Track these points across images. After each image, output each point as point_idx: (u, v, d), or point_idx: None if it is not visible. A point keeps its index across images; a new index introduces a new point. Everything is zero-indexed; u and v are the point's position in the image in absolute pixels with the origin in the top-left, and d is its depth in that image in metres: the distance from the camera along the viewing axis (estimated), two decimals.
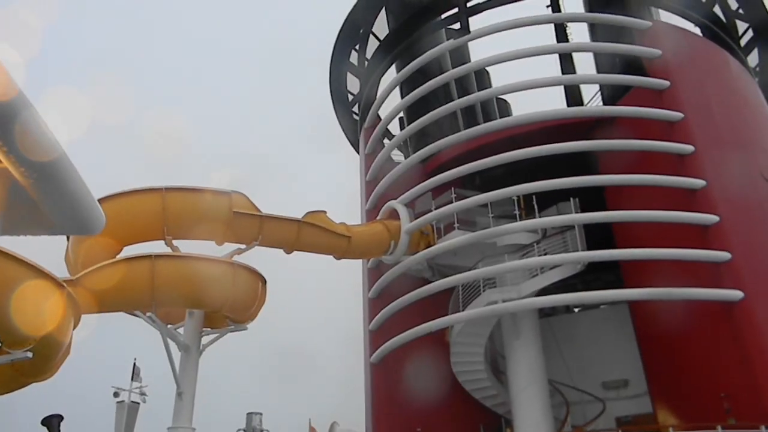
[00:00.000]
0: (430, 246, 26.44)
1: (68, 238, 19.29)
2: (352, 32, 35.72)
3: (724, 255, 22.35)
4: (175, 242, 19.28)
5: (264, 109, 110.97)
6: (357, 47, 36.44)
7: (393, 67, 34.33)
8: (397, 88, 32.66)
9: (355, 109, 38.31)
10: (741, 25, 33.53)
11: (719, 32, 30.76)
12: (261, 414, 24.86)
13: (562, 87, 32.21)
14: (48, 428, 18.34)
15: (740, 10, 33.37)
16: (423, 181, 27.33)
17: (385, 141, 34.37)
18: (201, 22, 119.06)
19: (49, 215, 4.44)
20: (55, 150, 4.10)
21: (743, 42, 33.21)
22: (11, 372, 13.55)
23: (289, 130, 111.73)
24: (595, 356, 28.70)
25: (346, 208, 24.36)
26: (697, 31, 30.67)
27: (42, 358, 13.08)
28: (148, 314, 18.02)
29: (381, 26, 35.13)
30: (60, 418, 18.47)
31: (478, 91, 31.54)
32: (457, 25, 31.37)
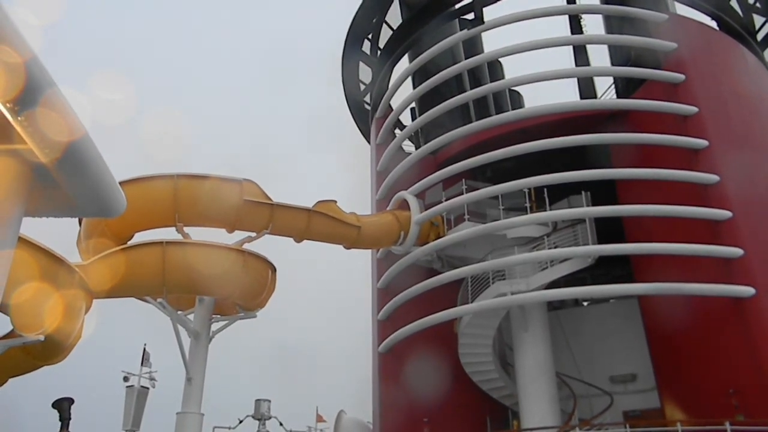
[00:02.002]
0: (440, 237, 26.42)
1: (80, 223, 19.39)
2: (366, 21, 35.59)
3: (736, 251, 22.20)
4: (186, 229, 19.35)
5: (266, 108, 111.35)
6: (370, 36, 36.31)
7: (406, 57, 34.22)
8: (410, 78, 32.54)
9: (367, 98, 38.22)
10: (758, 20, 33.18)
11: (736, 26, 30.45)
12: (269, 401, 25.09)
13: (575, 79, 31.99)
14: (59, 411, 18.55)
15: (757, 4, 33.01)
16: (434, 172, 27.27)
17: (397, 131, 34.30)
18: (202, 22, 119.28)
19: (72, 197, 4.46)
20: (79, 130, 4.10)
21: (760, 36, 32.85)
22: (23, 355, 13.65)
23: (291, 128, 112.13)
24: (603, 350, 28.66)
25: (347, 206, 24.27)
26: (714, 24, 30.36)
27: (53, 342, 13.17)
28: (159, 300, 18.11)
29: (394, 15, 34.97)
30: (71, 401, 18.67)
31: (491, 82, 31.40)
32: (470, 16, 31.20)
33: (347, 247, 24.65)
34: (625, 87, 29.22)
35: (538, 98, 30.26)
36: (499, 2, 31.14)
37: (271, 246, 20.60)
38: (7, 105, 3.68)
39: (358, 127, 39.61)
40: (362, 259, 33.90)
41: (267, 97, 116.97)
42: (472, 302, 25.00)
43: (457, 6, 32.03)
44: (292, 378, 43.76)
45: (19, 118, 3.67)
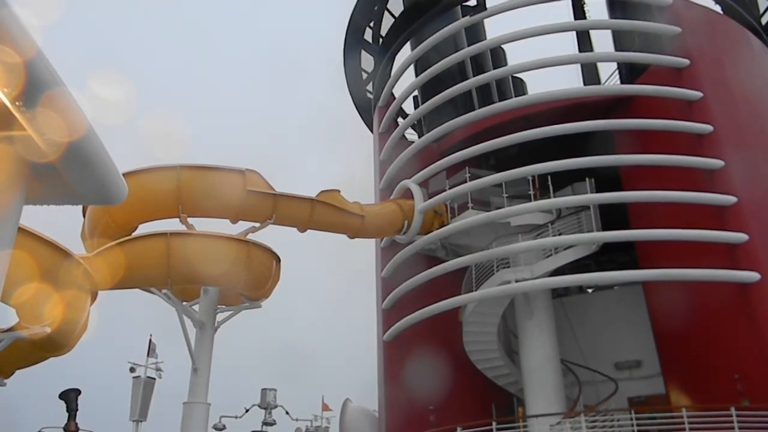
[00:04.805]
0: (444, 225, 26.39)
1: (84, 215, 19.43)
2: (367, 9, 35.38)
3: (741, 236, 22.12)
4: (189, 220, 19.37)
5: (267, 101, 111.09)
6: (372, 24, 36.10)
7: (408, 45, 34.02)
8: (412, 66, 32.37)
9: (369, 87, 38.05)
10: (762, 4, 32.89)
11: (740, 10, 30.19)
12: (275, 390, 25.22)
13: (578, 65, 31.78)
14: (66, 402, 18.69)
15: None
16: (437, 161, 27.17)
17: (399, 120, 34.16)
18: (200, 20, 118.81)
19: (73, 185, 4.45)
20: (83, 125, 4.09)
21: (765, 20, 32.59)
22: (29, 346, 13.72)
23: (292, 121, 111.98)
24: (608, 337, 28.64)
25: (349, 197, 24.18)
26: (718, 9, 30.12)
27: (59, 334, 13.23)
28: (164, 291, 18.17)
29: (396, 3, 34.75)
30: (77, 392, 18.79)
31: (494, 69, 31.21)
32: (473, 2, 30.95)
33: (351, 237, 24.65)
34: (629, 74, 29.01)
35: (541, 85, 30.08)
36: None
37: (275, 241, 20.62)
38: (11, 98, 3.67)
39: (361, 116, 39.44)
40: (367, 252, 33.88)
41: (268, 90, 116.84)
42: (476, 290, 24.99)
43: None
44: (297, 369, 43.96)
45: (21, 109, 3.65)
